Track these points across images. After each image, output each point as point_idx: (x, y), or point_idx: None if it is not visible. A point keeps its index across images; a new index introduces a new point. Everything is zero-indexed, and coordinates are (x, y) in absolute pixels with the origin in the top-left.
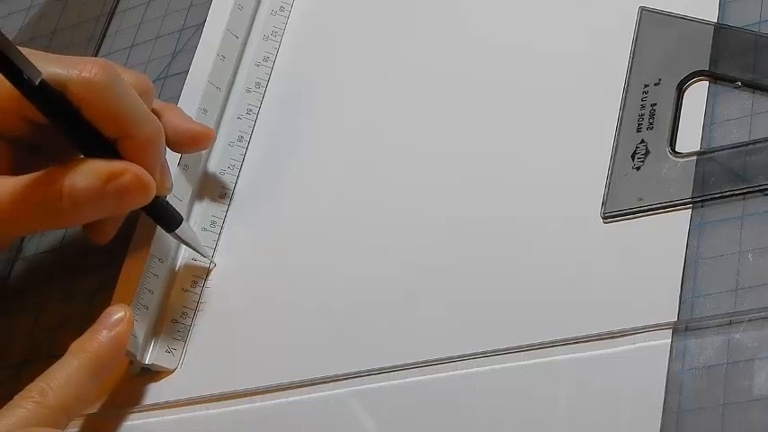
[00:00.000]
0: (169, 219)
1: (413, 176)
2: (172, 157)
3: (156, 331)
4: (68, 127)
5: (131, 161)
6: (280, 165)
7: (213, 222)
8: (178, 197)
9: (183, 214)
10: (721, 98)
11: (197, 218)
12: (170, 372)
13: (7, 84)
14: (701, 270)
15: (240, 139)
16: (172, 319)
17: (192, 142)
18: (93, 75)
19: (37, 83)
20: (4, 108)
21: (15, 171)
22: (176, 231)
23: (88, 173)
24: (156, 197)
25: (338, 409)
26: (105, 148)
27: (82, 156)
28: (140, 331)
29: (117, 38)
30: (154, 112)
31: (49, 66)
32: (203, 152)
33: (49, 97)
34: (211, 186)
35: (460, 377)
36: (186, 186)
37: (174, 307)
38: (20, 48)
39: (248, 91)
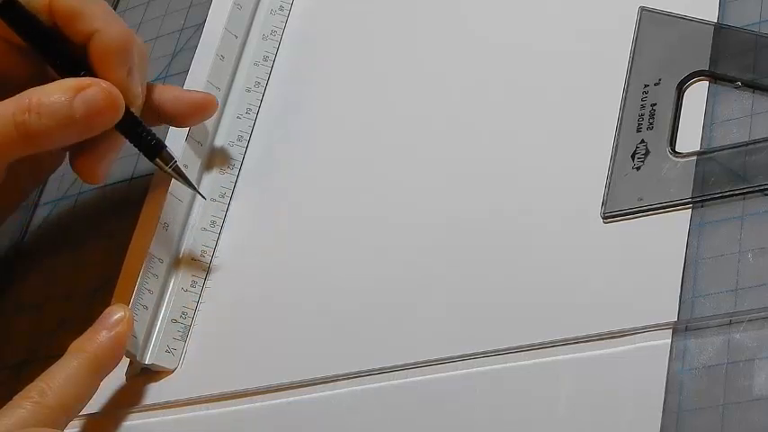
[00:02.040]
0: (149, 144)
1: (413, 176)
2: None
3: (156, 331)
4: (38, 42)
5: (101, 66)
6: (279, 164)
7: (213, 222)
8: (178, 197)
9: (183, 215)
10: (721, 98)
11: (197, 217)
12: (170, 372)
13: None
14: (701, 270)
15: (240, 138)
16: (172, 319)
17: (195, 111)
18: None
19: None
20: None
21: None
22: (158, 160)
23: (55, 87)
24: (129, 113)
25: (338, 409)
26: (77, 64)
27: None
28: (140, 331)
29: None
30: (155, 89)
31: None
32: (203, 151)
33: (17, 11)
34: (211, 186)
35: (460, 377)
36: (186, 185)
37: (174, 307)
38: None
39: (248, 90)
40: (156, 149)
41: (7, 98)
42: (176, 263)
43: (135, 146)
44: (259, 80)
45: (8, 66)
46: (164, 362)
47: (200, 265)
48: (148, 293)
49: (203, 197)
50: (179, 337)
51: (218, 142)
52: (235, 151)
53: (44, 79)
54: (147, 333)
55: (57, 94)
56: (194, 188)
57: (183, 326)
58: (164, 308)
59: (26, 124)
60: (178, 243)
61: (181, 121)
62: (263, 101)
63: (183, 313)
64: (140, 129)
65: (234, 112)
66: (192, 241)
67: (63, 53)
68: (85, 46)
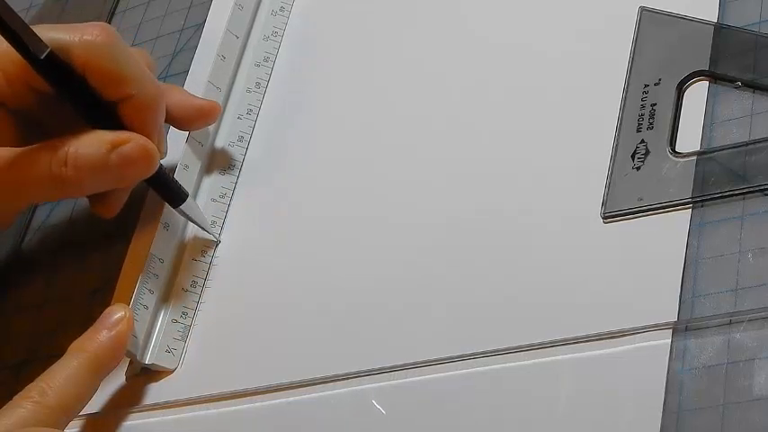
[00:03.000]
0: (175, 193)
1: (413, 176)
2: (173, 158)
3: (156, 331)
4: (73, 96)
5: (133, 124)
6: (280, 165)
7: (213, 222)
8: None
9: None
10: (721, 98)
11: None
12: (170, 372)
13: (14, 52)
14: (701, 270)
15: (240, 139)
16: (172, 319)
17: (198, 116)
18: (94, 37)
19: (42, 57)
20: (11, 76)
21: (20, 146)
22: (182, 207)
23: (93, 140)
24: (159, 166)
25: (338, 409)
26: (109, 117)
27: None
28: (140, 331)
29: None
30: None
31: (54, 33)
32: (203, 152)
33: (54, 68)
34: (212, 186)
35: (460, 377)
36: (187, 184)
37: (174, 307)
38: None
39: (248, 91)
40: (180, 199)
41: (32, 137)
42: (176, 263)
43: (158, 193)
44: (260, 81)
45: (38, 111)
46: (164, 362)
47: (200, 265)
48: (149, 293)
49: (216, 239)
50: (179, 337)
51: (219, 143)
52: (235, 152)
53: (70, 120)
54: (148, 333)
55: (94, 148)
56: (209, 231)
57: (183, 326)
58: (164, 308)
59: (62, 176)
60: (178, 243)
61: (184, 124)
62: (263, 101)
63: (183, 313)
64: (167, 180)
65: (235, 113)
66: (192, 241)
67: (94, 107)
68: (117, 103)
